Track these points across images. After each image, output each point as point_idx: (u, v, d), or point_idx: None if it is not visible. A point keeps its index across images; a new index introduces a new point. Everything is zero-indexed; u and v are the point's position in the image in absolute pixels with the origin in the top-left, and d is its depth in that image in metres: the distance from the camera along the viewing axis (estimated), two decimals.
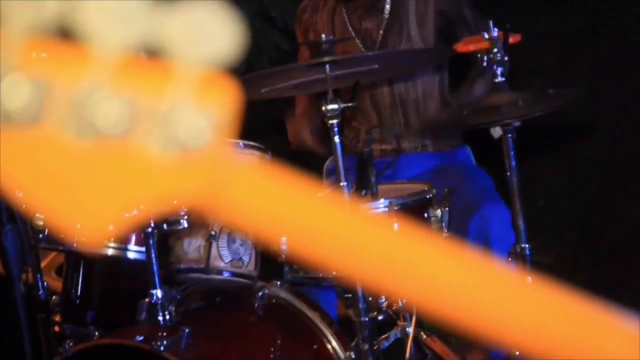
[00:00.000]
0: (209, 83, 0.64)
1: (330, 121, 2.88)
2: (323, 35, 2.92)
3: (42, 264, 3.15)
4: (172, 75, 0.64)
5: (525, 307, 0.76)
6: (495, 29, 2.92)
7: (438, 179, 3.13)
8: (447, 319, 0.75)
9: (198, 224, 2.93)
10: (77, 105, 0.62)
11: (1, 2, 0.60)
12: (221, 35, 0.62)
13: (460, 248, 0.75)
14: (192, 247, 2.96)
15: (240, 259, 2.98)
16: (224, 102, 0.65)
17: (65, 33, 0.62)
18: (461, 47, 3.11)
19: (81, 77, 0.62)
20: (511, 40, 2.96)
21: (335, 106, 2.88)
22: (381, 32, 3.71)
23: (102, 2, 0.61)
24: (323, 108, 2.87)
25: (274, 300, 3.08)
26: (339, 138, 2.85)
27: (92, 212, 0.64)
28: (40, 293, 2.96)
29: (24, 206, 0.64)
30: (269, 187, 0.71)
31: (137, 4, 0.62)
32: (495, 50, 2.92)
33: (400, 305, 3.26)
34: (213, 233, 2.95)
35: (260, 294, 3.05)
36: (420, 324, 3.30)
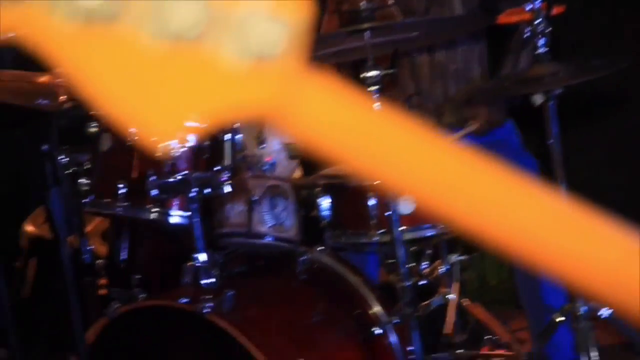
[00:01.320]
0: None
1: (370, 88, 2.90)
2: (363, 2, 2.93)
3: (88, 229, 3.19)
4: None
5: (554, 224, 0.77)
6: (538, 0, 2.91)
7: None
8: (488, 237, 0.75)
9: (240, 189, 2.95)
10: (155, 6, 0.64)
11: None
12: None
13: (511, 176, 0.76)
14: (235, 211, 2.99)
15: (282, 223, 3.00)
16: (299, 11, 0.65)
17: None
18: (503, 18, 3.11)
19: None
20: (554, 11, 2.95)
21: (375, 73, 2.91)
22: (424, 3, 3.68)
23: None
24: (362, 75, 2.90)
25: (316, 265, 3.08)
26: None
27: (162, 113, 0.65)
28: (85, 257, 3.00)
29: (93, 101, 0.65)
30: (338, 104, 0.70)
31: None
32: (538, 21, 2.91)
33: (442, 271, 3.27)
34: (255, 198, 2.97)
35: (302, 258, 3.05)
36: (463, 291, 3.29)
